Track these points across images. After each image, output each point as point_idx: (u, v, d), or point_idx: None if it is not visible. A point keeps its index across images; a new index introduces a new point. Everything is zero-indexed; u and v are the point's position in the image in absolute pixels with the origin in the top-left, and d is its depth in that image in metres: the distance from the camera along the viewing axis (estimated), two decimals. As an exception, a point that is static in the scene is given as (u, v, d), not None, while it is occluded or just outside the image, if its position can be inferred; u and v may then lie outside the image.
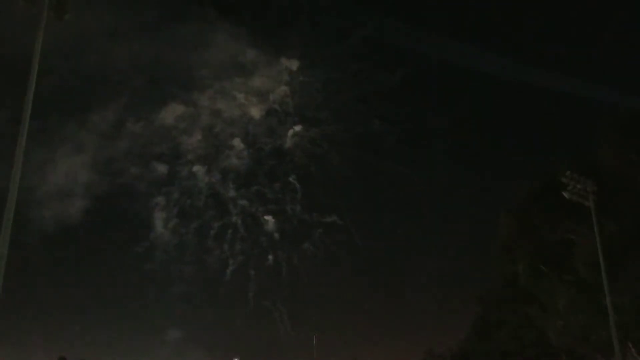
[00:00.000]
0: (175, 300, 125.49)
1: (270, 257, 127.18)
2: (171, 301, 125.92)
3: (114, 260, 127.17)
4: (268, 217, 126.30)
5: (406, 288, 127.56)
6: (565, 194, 38.57)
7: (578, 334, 44.70)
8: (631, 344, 42.40)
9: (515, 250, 50.65)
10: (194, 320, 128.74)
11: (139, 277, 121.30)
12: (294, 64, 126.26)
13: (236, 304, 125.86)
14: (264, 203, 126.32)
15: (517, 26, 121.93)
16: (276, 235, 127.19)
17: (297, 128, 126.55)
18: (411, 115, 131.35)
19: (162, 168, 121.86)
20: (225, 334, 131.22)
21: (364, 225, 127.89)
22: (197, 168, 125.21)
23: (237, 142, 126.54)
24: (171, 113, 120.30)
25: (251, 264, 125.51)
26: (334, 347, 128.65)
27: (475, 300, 72.83)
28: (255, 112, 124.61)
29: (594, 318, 41.31)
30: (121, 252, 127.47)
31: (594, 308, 40.65)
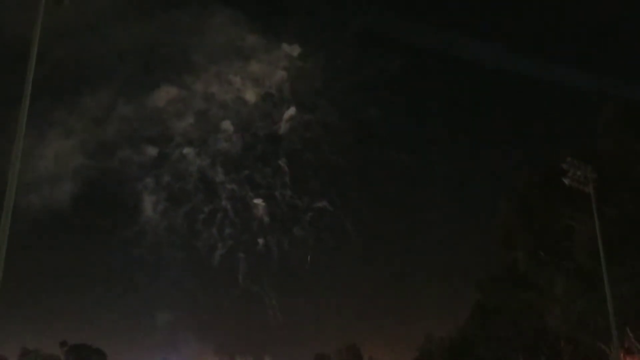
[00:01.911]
0: (164, 284, 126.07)
1: (260, 240, 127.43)
2: (161, 285, 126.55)
3: (103, 245, 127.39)
4: (258, 201, 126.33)
5: (405, 274, 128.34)
6: (565, 180, 38.42)
7: (576, 320, 44.87)
8: (629, 330, 42.61)
9: (515, 236, 50.69)
10: (183, 304, 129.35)
11: (128, 261, 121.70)
12: (293, 50, 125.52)
13: (225, 288, 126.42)
14: (254, 187, 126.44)
15: (519, 18, 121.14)
16: (266, 220, 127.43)
17: (293, 113, 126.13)
18: (409, 103, 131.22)
19: (152, 151, 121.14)
20: (215, 317, 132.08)
21: (356, 210, 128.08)
22: (188, 151, 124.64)
23: (230, 126, 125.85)
24: (164, 96, 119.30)
25: (241, 248, 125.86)
26: (330, 333, 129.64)
27: (475, 286, 73.08)
28: (251, 96, 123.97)
29: (592, 305, 41.41)
30: (111, 236, 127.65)
31: (593, 295, 40.74)
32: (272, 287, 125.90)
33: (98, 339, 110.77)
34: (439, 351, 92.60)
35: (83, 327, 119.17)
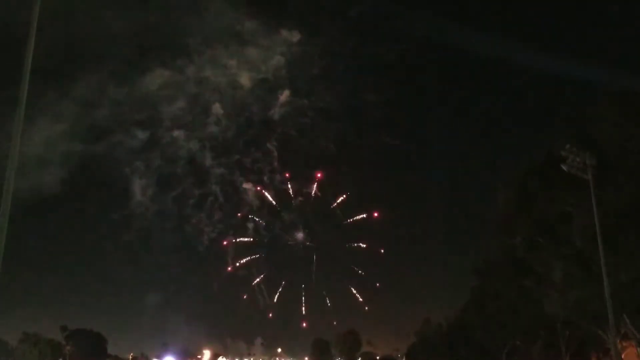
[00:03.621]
0: (154, 267, 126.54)
1: (250, 225, 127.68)
2: (151, 268, 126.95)
3: (94, 229, 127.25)
4: (248, 186, 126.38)
5: (403, 260, 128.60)
6: (564, 167, 38.39)
7: (574, 305, 45.15)
8: (626, 316, 42.85)
9: (513, 222, 50.82)
10: (173, 287, 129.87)
11: (118, 246, 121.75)
12: (292, 36, 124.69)
13: (215, 272, 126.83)
14: (245, 171, 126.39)
15: (517, 7, 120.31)
16: (256, 204, 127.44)
17: (288, 98, 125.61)
18: (407, 90, 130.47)
19: (143, 135, 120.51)
20: (204, 301, 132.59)
21: (349, 196, 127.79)
22: (179, 135, 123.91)
23: (223, 110, 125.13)
24: (157, 80, 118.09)
25: (230, 232, 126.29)
26: (328, 318, 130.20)
27: (473, 272, 73.49)
28: (246, 81, 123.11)
29: (589, 290, 41.62)
30: (101, 220, 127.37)
31: (590, 280, 40.94)
32: (262, 272, 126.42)
33: (97, 323, 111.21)
34: (437, 336, 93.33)
35: (81, 312, 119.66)
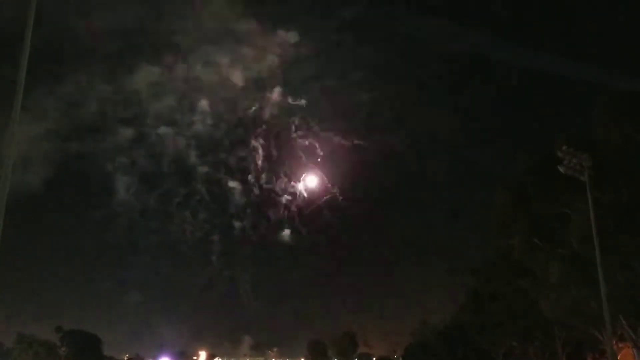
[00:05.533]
0: (137, 266, 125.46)
1: (236, 224, 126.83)
2: (138, 267, 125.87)
3: (81, 229, 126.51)
4: (234, 184, 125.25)
5: (400, 261, 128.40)
6: (561, 169, 38.40)
7: (570, 307, 45.14)
8: (622, 317, 42.87)
9: (510, 223, 50.80)
10: (155, 286, 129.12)
11: (100, 245, 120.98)
12: (287, 36, 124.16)
13: (199, 272, 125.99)
14: (231, 171, 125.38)
15: (515, 9, 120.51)
16: (242, 203, 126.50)
17: (281, 98, 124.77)
18: (404, 90, 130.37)
19: (128, 133, 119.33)
20: (188, 302, 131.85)
21: (345, 197, 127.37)
22: (165, 134, 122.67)
23: (211, 109, 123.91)
24: (145, 78, 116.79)
25: (216, 231, 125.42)
26: (324, 320, 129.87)
27: (470, 273, 73.53)
28: (238, 80, 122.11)
29: (586, 291, 41.64)
30: (87, 219, 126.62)
31: (587, 281, 40.93)
32: (246, 272, 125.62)
33: (92, 325, 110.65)
34: (434, 337, 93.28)
35: (76, 313, 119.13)
